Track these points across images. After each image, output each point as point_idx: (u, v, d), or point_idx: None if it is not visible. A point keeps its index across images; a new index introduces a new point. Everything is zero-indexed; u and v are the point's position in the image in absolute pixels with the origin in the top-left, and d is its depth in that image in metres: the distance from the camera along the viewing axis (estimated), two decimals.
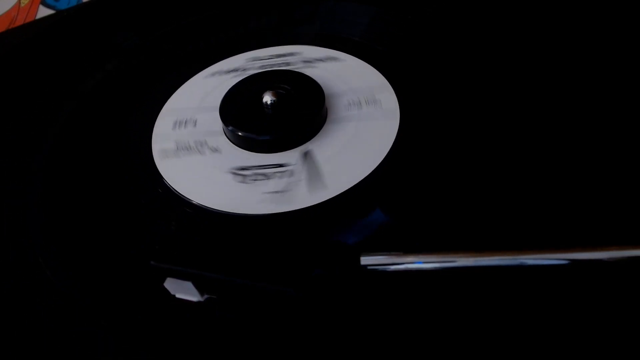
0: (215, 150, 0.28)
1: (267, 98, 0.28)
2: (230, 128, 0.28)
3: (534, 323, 0.19)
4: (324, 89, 0.29)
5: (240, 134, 0.27)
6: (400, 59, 0.32)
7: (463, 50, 0.32)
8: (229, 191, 0.26)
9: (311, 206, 0.24)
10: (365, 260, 0.21)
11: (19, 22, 0.45)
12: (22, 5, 0.46)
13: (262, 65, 0.32)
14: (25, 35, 0.39)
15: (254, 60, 0.33)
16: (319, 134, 0.28)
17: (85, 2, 0.44)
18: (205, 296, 0.22)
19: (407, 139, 0.27)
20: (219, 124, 0.28)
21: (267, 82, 0.29)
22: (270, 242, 0.24)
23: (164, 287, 0.22)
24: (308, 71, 0.30)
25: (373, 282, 0.21)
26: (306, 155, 0.26)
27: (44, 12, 0.45)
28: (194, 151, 0.28)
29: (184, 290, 0.22)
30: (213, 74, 0.33)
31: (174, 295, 0.22)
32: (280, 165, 0.26)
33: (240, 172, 0.26)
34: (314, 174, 0.25)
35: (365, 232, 0.23)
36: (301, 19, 0.36)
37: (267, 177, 0.26)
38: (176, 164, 0.27)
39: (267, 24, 0.37)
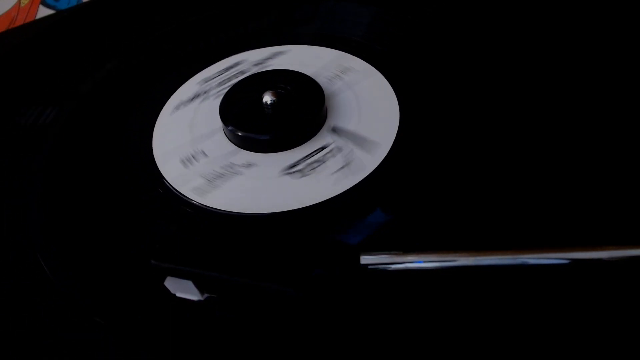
0: (248, 164, 0.27)
1: (267, 98, 0.28)
2: (261, 137, 0.27)
3: (534, 322, 0.19)
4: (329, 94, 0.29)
5: (266, 138, 0.27)
6: (400, 59, 0.32)
7: (463, 50, 0.32)
8: (295, 189, 0.25)
9: (311, 206, 0.24)
10: (365, 259, 0.21)
11: (19, 22, 0.45)
12: (22, 5, 0.46)
13: (220, 82, 0.32)
14: (25, 35, 0.39)
15: (206, 82, 0.33)
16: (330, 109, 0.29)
17: (85, 2, 0.44)
18: (206, 295, 0.22)
19: (408, 139, 0.27)
20: (228, 144, 0.28)
21: (267, 82, 0.29)
22: (270, 241, 0.24)
23: (164, 286, 0.22)
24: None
25: (373, 281, 0.21)
26: (334, 130, 0.27)
27: (44, 12, 0.45)
28: (229, 175, 0.27)
29: (184, 290, 0.22)
30: (177, 107, 0.32)
31: (174, 295, 0.22)
32: (323, 148, 0.27)
33: (294, 169, 0.26)
34: (358, 138, 0.26)
35: (365, 232, 0.23)
36: (300, 19, 0.36)
37: (321, 161, 0.26)
38: (222, 192, 0.26)
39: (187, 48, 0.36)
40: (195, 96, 0.32)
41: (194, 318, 0.21)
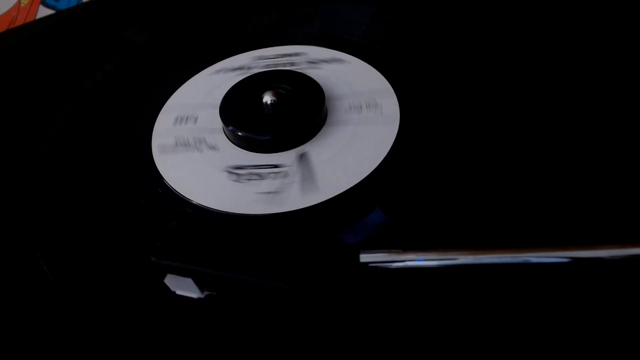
0: (212, 147, 0.28)
1: (267, 98, 0.28)
2: (229, 128, 0.28)
3: (534, 321, 0.19)
4: (326, 90, 0.29)
5: (239, 133, 0.27)
6: (400, 59, 0.32)
7: (463, 51, 0.32)
8: (223, 190, 0.26)
9: (311, 205, 0.24)
10: (364, 257, 0.21)
11: (19, 22, 0.45)
12: (22, 5, 0.46)
13: (267, 65, 0.33)
14: (25, 35, 0.39)
15: (259, 59, 0.33)
16: (317, 135, 0.28)
17: (85, 2, 0.44)
18: (206, 293, 0.22)
19: (408, 138, 0.27)
20: (219, 122, 0.28)
21: (267, 82, 0.29)
22: (271, 240, 0.24)
23: (164, 283, 0.22)
24: (312, 72, 0.30)
25: (372, 279, 0.21)
26: (302, 157, 0.26)
27: (44, 12, 0.45)
28: (191, 148, 0.28)
29: (184, 287, 0.22)
30: (218, 72, 0.33)
31: (175, 292, 0.22)
32: (276, 166, 0.26)
33: (235, 171, 0.26)
34: (308, 177, 0.25)
35: (365, 230, 0.23)
36: (302, 19, 0.36)
37: (261, 177, 0.26)
38: (173, 160, 0.28)
39: (271, 23, 0.37)
40: (239, 68, 0.32)
41: (194, 315, 0.21)
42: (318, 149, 0.27)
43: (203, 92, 0.32)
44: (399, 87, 0.30)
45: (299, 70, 0.31)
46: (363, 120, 0.28)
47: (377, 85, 0.30)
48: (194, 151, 0.28)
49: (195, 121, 0.30)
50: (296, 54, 0.33)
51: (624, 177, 0.23)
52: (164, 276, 0.22)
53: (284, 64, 0.32)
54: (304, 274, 0.22)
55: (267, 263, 0.22)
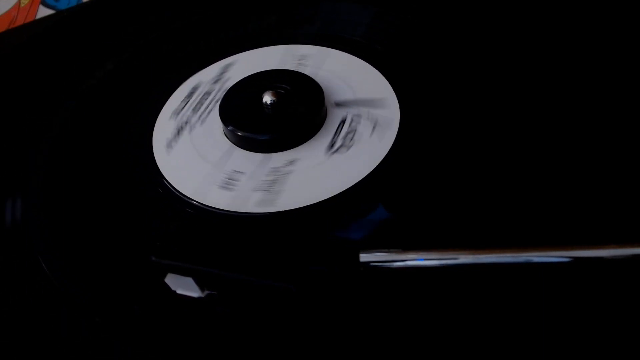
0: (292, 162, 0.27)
1: (267, 98, 0.28)
2: (229, 127, 0.28)
3: (535, 320, 0.19)
4: (326, 90, 0.29)
5: (238, 133, 0.27)
6: (400, 59, 0.32)
7: (463, 50, 0.32)
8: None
9: (311, 205, 0.24)
10: (364, 257, 0.21)
11: (19, 22, 0.45)
12: (22, 5, 0.46)
13: (193, 109, 0.31)
14: (25, 35, 0.39)
15: (178, 114, 0.31)
16: (317, 135, 0.28)
17: (85, 2, 0.44)
18: (206, 292, 0.22)
19: (408, 138, 0.27)
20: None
21: (267, 82, 0.29)
22: (271, 239, 0.24)
23: (164, 282, 0.22)
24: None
25: (372, 279, 0.21)
26: (339, 104, 0.27)
27: (44, 12, 0.45)
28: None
29: (184, 286, 0.22)
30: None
31: (175, 291, 0.22)
32: (343, 122, 0.28)
33: (334, 148, 0.27)
34: (366, 102, 0.27)
35: (365, 230, 0.23)
36: (302, 19, 0.36)
37: (354, 130, 0.27)
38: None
39: (271, 24, 0.37)
40: (179, 130, 0.30)
41: (194, 314, 0.21)
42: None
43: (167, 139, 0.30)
44: (399, 87, 0.30)
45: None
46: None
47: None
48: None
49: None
50: (195, 88, 0.33)
51: (625, 177, 0.23)
52: (165, 275, 0.22)
53: (200, 101, 0.31)
54: (303, 274, 0.22)
55: (267, 262, 0.22)
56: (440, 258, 0.20)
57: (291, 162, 0.27)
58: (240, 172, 0.27)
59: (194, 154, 0.28)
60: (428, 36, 0.33)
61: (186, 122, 0.30)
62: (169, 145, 0.29)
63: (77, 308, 0.22)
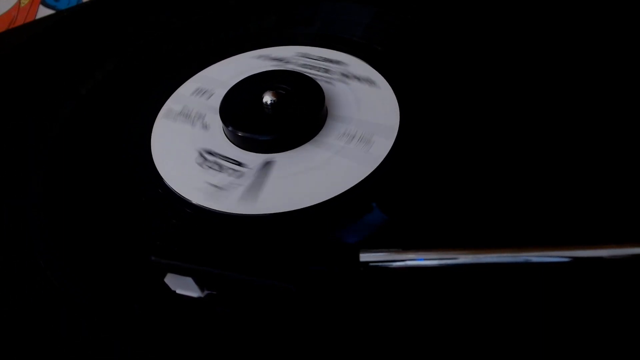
0: (205, 127, 0.29)
1: (267, 98, 0.28)
2: (229, 127, 0.28)
3: (535, 320, 0.19)
4: (326, 90, 0.29)
5: (238, 133, 0.27)
6: (400, 59, 0.32)
7: (463, 50, 0.32)
8: (184, 168, 0.27)
9: (311, 205, 0.24)
10: (364, 257, 0.21)
11: (19, 22, 0.45)
12: (22, 5, 0.46)
13: (305, 64, 0.32)
14: (25, 35, 0.39)
15: (301, 56, 0.33)
16: (317, 135, 0.28)
17: (85, 2, 0.44)
18: (206, 292, 0.22)
19: (408, 138, 0.27)
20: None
21: (267, 82, 0.29)
22: (271, 239, 0.24)
23: (164, 282, 0.22)
24: (336, 86, 0.30)
25: (372, 278, 0.21)
26: (266, 165, 0.26)
27: (44, 12, 0.45)
28: (188, 120, 0.29)
29: (184, 286, 0.22)
30: (259, 57, 0.33)
31: (175, 291, 0.22)
32: (239, 164, 0.27)
33: (205, 155, 0.27)
34: (255, 186, 0.25)
35: (365, 230, 0.23)
36: (302, 19, 0.36)
37: (220, 169, 0.27)
38: (167, 126, 0.28)
39: (271, 24, 0.37)
40: (279, 59, 0.32)
41: (194, 314, 0.21)
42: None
43: (235, 72, 0.32)
44: (399, 87, 0.30)
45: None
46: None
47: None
48: (187, 124, 0.29)
49: (209, 97, 0.30)
50: (338, 62, 0.33)
51: (624, 177, 0.23)
52: (164, 275, 0.22)
53: (319, 68, 0.32)
54: (303, 273, 0.22)
55: (267, 262, 0.22)
56: (440, 258, 0.20)
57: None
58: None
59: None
60: (428, 36, 0.33)
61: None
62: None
63: (77, 308, 0.22)
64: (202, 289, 0.22)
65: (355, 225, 0.24)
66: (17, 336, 0.22)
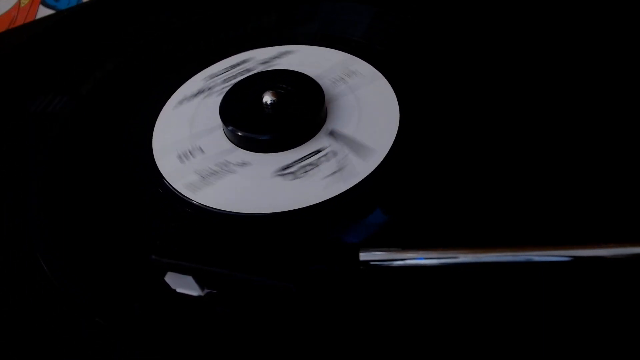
0: (243, 164, 0.27)
1: (267, 98, 0.28)
2: (229, 128, 0.28)
3: (535, 319, 0.19)
4: (326, 90, 0.29)
5: (239, 133, 0.27)
6: (400, 59, 0.32)
7: (463, 50, 0.32)
8: (286, 191, 0.25)
9: (311, 205, 0.24)
10: (364, 256, 0.21)
11: (19, 22, 0.45)
12: (22, 5, 0.46)
13: (225, 79, 0.32)
14: (25, 35, 0.39)
15: (211, 78, 0.33)
16: (317, 135, 0.28)
17: (85, 2, 0.44)
18: (206, 291, 0.22)
19: (408, 137, 0.27)
20: (226, 142, 0.28)
21: (266, 82, 0.29)
22: (271, 238, 0.24)
23: (164, 281, 0.22)
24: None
25: (372, 277, 0.21)
26: (332, 134, 0.27)
27: (44, 12, 0.45)
28: (223, 173, 0.27)
29: (184, 285, 0.22)
30: (181, 102, 0.32)
31: (175, 290, 0.22)
32: (318, 151, 0.27)
33: (286, 171, 0.26)
34: (355, 144, 0.26)
35: (365, 229, 0.23)
36: (302, 19, 0.36)
37: (315, 165, 0.26)
38: (213, 189, 0.26)
39: (271, 23, 0.37)
40: (200, 92, 0.32)
41: (194, 313, 0.21)
42: (339, 122, 0.28)
43: (183, 124, 0.30)
44: (398, 87, 0.30)
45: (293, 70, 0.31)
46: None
47: (337, 57, 0.31)
48: (228, 174, 0.27)
49: (202, 151, 0.28)
50: (244, 61, 0.33)
51: (625, 176, 0.23)
52: (165, 274, 0.22)
53: (236, 75, 0.32)
54: (303, 273, 0.22)
55: (267, 261, 0.22)
56: (440, 257, 0.20)
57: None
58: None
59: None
60: (428, 36, 0.33)
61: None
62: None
63: (77, 308, 0.22)
64: (202, 288, 0.22)
65: (355, 225, 0.24)
66: (17, 336, 0.22)
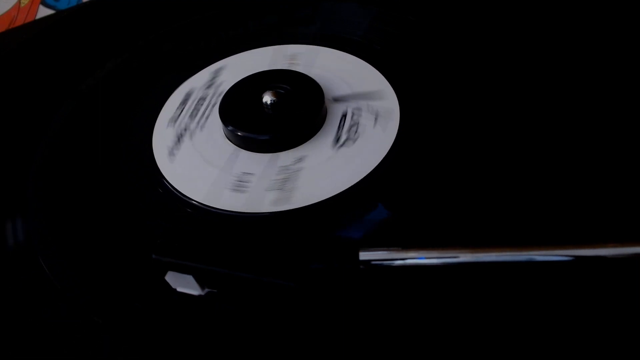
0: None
1: (267, 98, 0.28)
2: (229, 127, 0.28)
3: (536, 319, 0.19)
4: (326, 90, 0.29)
5: (238, 133, 0.28)
6: (400, 59, 0.32)
7: (463, 50, 0.32)
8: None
9: (311, 205, 0.24)
10: (364, 255, 0.21)
11: (19, 22, 0.45)
12: (22, 5, 0.46)
13: (190, 115, 0.31)
14: (25, 35, 0.39)
15: (175, 121, 0.31)
16: (316, 135, 0.28)
17: (85, 2, 0.44)
18: (206, 290, 0.22)
19: (408, 137, 0.27)
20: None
21: (267, 82, 0.29)
22: (271, 237, 0.24)
23: (165, 280, 0.22)
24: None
25: (372, 277, 0.21)
26: (336, 100, 0.27)
27: (44, 12, 0.45)
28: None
29: (185, 284, 0.22)
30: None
31: (175, 289, 0.22)
32: (344, 115, 0.28)
33: (341, 141, 0.27)
34: (363, 95, 0.27)
35: (365, 228, 0.23)
36: (302, 19, 0.36)
37: (356, 122, 0.27)
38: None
39: (271, 23, 0.37)
40: (179, 138, 0.30)
41: (194, 313, 0.21)
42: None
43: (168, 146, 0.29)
44: (398, 87, 0.30)
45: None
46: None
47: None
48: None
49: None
50: (188, 95, 0.32)
51: (626, 175, 0.23)
52: (165, 273, 0.22)
53: (196, 106, 0.31)
54: (303, 271, 0.22)
55: (267, 260, 0.22)
56: (441, 257, 0.20)
57: (300, 160, 0.27)
58: (249, 173, 0.26)
59: (199, 159, 0.28)
60: (428, 36, 0.33)
61: (185, 129, 0.30)
62: (171, 153, 0.28)
63: (77, 308, 0.22)
64: (202, 287, 0.22)
65: (356, 224, 0.24)
66: (18, 336, 0.22)
